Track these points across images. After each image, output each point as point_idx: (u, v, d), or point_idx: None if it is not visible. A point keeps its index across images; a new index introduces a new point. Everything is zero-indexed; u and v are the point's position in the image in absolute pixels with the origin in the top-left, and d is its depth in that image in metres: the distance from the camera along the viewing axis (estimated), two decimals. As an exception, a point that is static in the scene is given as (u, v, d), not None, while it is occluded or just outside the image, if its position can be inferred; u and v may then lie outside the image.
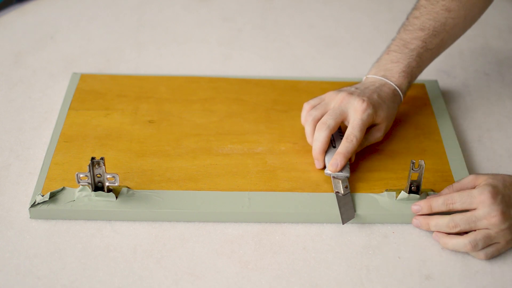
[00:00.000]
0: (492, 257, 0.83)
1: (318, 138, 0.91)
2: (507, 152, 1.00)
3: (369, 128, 0.95)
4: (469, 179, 0.86)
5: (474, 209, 0.82)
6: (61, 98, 1.05)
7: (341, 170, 0.90)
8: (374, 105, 0.93)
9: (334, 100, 0.95)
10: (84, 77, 1.09)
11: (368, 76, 0.99)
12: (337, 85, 1.09)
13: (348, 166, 0.91)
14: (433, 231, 0.85)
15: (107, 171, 0.87)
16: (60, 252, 0.83)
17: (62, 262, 0.81)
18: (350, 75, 1.15)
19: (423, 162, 0.85)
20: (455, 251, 0.84)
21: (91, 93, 1.05)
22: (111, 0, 1.33)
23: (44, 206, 0.86)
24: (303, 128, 1.00)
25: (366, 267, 0.82)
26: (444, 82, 1.13)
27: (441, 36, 0.97)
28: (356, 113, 0.92)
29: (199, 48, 1.22)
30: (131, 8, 1.32)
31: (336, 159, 0.90)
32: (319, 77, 1.12)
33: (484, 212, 0.81)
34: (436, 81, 1.11)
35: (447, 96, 1.10)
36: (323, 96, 0.97)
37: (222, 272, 0.81)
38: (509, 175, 0.85)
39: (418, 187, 0.88)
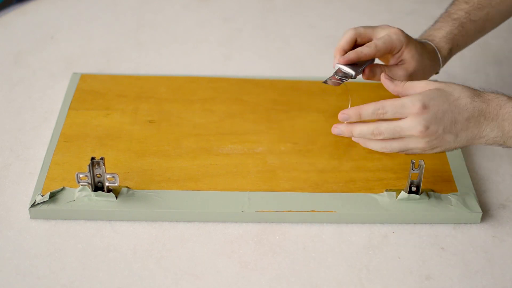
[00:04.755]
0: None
1: (343, 36, 0.91)
2: (507, 152, 1.00)
3: (398, 63, 0.93)
4: (422, 85, 0.83)
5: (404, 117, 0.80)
6: (61, 98, 1.05)
7: (349, 67, 0.89)
8: (408, 38, 0.91)
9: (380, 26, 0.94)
10: (84, 77, 1.09)
11: None
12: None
13: (358, 70, 0.89)
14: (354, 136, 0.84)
15: (107, 171, 0.87)
16: (60, 252, 0.83)
17: (62, 262, 0.81)
18: (350, 75, 1.15)
19: (423, 162, 0.85)
20: (374, 150, 0.83)
21: (91, 93, 1.05)
22: (111, 0, 1.33)
23: (44, 206, 0.86)
24: (303, 128, 1.00)
25: (366, 267, 0.82)
26: (444, 82, 1.13)
27: (486, 10, 0.98)
28: (387, 30, 0.91)
29: (199, 48, 1.22)
30: (131, 8, 1.32)
31: (349, 53, 0.89)
32: (319, 77, 1.12)
33: (409, 124, 0.79)
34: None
35: (447, 96, 1.10)
36: None
37: (222, 272, 0.81)
38: (467, 90, 0.82)
39: (418, 187, 0.88)
